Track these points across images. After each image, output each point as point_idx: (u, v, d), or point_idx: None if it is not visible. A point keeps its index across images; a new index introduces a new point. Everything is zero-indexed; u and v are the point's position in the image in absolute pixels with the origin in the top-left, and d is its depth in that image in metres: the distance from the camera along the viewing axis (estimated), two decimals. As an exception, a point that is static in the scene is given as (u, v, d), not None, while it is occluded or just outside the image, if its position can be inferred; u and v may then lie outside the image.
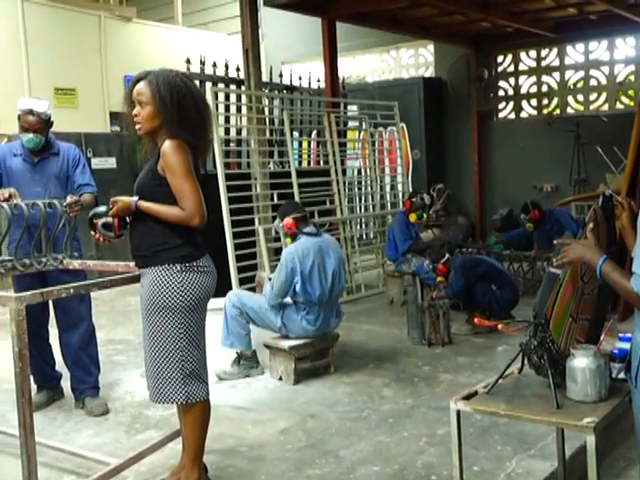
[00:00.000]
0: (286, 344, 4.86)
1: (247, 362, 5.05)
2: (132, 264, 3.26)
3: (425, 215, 7.62)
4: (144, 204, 2.94)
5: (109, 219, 3.03)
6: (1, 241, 3.59)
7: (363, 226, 10.01)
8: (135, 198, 2.97)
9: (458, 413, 2.51)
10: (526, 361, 2.60)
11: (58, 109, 10.49)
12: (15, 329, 2.70)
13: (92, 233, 3.13)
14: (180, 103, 2.89)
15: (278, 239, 6.89)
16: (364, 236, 9.59)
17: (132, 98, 2.95)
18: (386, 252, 7.77)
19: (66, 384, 4.58)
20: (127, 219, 3.05)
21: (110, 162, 9.82)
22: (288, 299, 4.96)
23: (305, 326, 4.88)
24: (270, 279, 4.92)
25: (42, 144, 4.26)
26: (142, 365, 3.12)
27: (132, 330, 6.55)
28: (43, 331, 4.51)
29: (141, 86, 2.92)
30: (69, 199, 3.83)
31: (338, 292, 5.03)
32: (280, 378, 4.93)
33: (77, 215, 3.91)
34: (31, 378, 2.95)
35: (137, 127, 2.95)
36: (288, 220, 4.96)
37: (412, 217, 7.41)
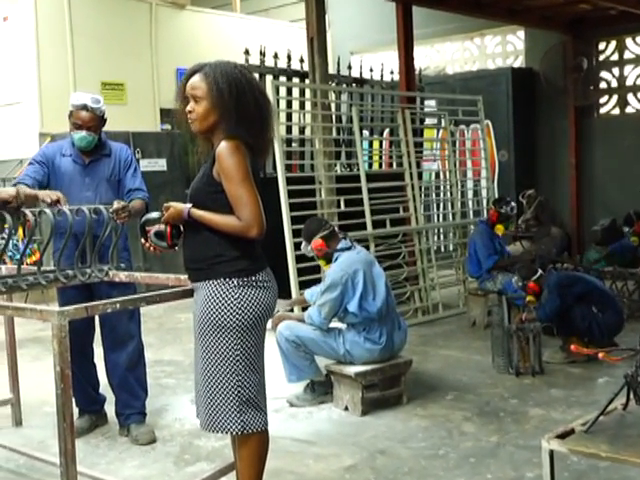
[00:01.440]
0: (351, 370, 4.86)
1: (321, 387, 5.10)
2: (184, 277, 3.32)
3: (513, 226, 7.52)
4: (197, 212, 2.98)
5: (162, 227, 3.09)
6: (44, 249, 3.71)
7: (441, 237, 9.93)
8: (188, 205, 3.01)
9: (551, 454, 2.45)
10: (632, 395, 2.53)
11: (106, 106, 10.82)
12: (57, 347, 2.76)
13: (142, 241, 3.20)
14: (239, 98, 2.92)
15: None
16: (442, 248, 9.51)
17: (186, 93, 3.00)
18: (467, 268, 7.69)
19: (110, 409, 4.69)
20: (181, 228, 3.10)
21: (160, 164, 10.04)
22: (339, 324, 5.01)
23: (370, 347, 4.89)
24: (289, 308, 4.97)
25: (94, 143, 4.39)
26: (193, 389, 3.17)
27: (182, 350, 6.66)
28: (88, 350, 4.63)
29: (196, 79, 2.97)
30: (116, 205, 3.93)
31: (394, 303, 5.12)
32: (346, 408, 4.93)
33: (125, 222, 4.00)
34: (73, 401, 3.01)
35: (191, 124, 3.00)
36: (317, 241, 5.04)
37: (499, 229, 7.32)
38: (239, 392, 2.95)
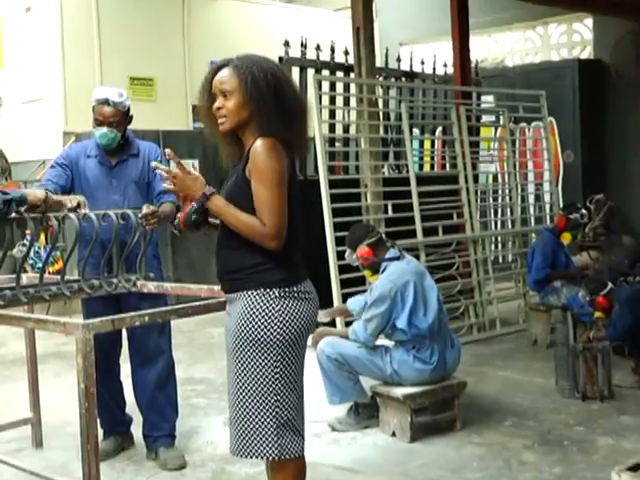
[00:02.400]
0: (399, 392, 4.84)
1: (366, 411, 5.09)
2: (217, 288, 3.34)
3: (580, 234, 7.43)
4: (218, 201, 2.96)
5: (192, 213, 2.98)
6: (67, 257, 3.76)
7: (499, 246, 9.85)
8: (212, 189, 2.98)
9: (623, 488, 2.41)
10: None
11: (133, 102, 10.88)
12: (81, 362, 2.80)
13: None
14: (276, 90, 2.92)
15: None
16: (500, 259, 9.44)
17: (212, 90, 3.02)
18: (528, 280, 7.62)
19: (137, 430, 4.73)
20: (202, 217, 3.00)
21: (192, 165, 10.12)
22: (386, 341, 5.00)
23: (420, 367, 4.87)
24: (327, 323, 4.97)
25: (117, 141, 4.43)
26: (226, 410, 3.18)
27: (214, 367, 6.70)
28: (114, 366, 4.68)
29: (224, 74, 2.98)
30: (145, 209, 3.97)
31: (447, 318, 5.09)
32: (393, 434, 4.91)
33: (154, 228, 4.04)
34: (97, 422, 3.03)
35: (220, 122, 3.01)
36: (362, 249, 5.02)
37: (565, 238, 7.24)
38: (277, 413, 2.95)
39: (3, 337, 8.28)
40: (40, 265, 7.99)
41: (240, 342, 2.96)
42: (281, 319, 2.92)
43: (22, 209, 3.43)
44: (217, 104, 2.99)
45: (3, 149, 10.47)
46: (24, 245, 7.79)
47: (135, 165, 4.49)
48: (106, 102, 4.32)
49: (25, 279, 4.22)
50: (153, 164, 3.09)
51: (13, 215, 3.40)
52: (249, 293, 2.95)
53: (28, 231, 3.68)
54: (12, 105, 11.30)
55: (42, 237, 7.87)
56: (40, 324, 3.13)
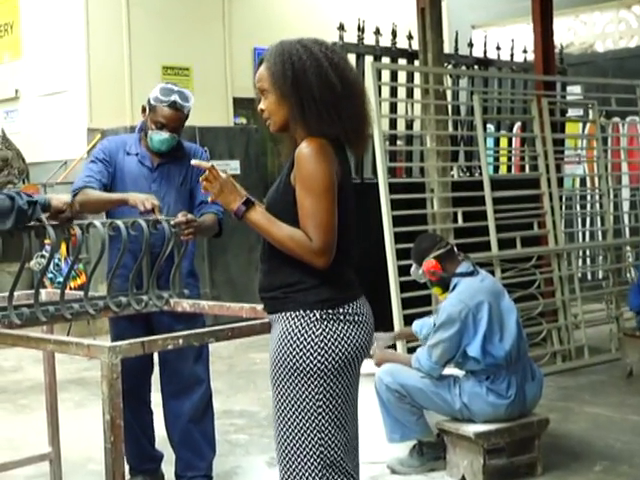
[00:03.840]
0: (470, 430, 4.81)
1: (431, 451, 5.07)
2: (260, 307, 3.36)
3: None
4: (257, 215, 2.93)
5: None
6: (92, 271, 3.81)
7: (587, 261, 9.74)
8: (250, 199, 2.95)
9: None
10: None
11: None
12: (107, 390, 2.82)
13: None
14: (315, 80, 2.86)
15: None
16: (589, 276, 9.32)
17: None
18: (628, 300, 7.51)
19: (169, 469, 4.76)
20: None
21: (233, 166, 10.16)
22: (456, 370, 4.97)
23: (494, 401, 4.83)
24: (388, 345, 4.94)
25: (173, 146, 4.51)
26: (270, 448, 3.20)
27: (257, 399, 6.73)
28: (144, 395, 4.72)
29: (260, 70, 2.98)
30: (180, 217, 4.01)
31: (527, 345, 5.05)
32: (463, 478, 4.88)
33: (190, 240, 4.08)
34: (124, 458, 3.05)
35: (267, 124, 3.03)
36: (429, 262, 4.99)
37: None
38: (321, 453, 2.95)
39: (19, 361, 8.43)
40: (60, 280, 8.11)
41: (279, 371, 2.96)
42: (322, 345, 2.90)
43: (44, 216, 3.48)
44: (260, 105, 3.00)
45: (20, 148, 10.74)
46: (43, 257, 7.94)
47: (179, 169, 4.54)
48: (174, 105, 4.37)
49: (44, 295, 4.29)
50: (193, 162, 3.09)
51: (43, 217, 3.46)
52: (288, 315, 2.95)
53: (47, 241, 3.74)
54: (30, 98, 11.49)
55: (63, 248, 7.98)
56: (61, 346, 3.16)
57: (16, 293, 3.65)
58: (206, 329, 3.38)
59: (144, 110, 4.50)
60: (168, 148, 4.47)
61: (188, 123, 9.91)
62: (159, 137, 4.42)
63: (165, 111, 4.37)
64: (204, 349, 4.53)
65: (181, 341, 3.12)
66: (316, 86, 2.88)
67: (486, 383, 4.84)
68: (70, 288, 7.02)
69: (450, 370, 4.99)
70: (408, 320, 6.34)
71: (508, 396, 4.84)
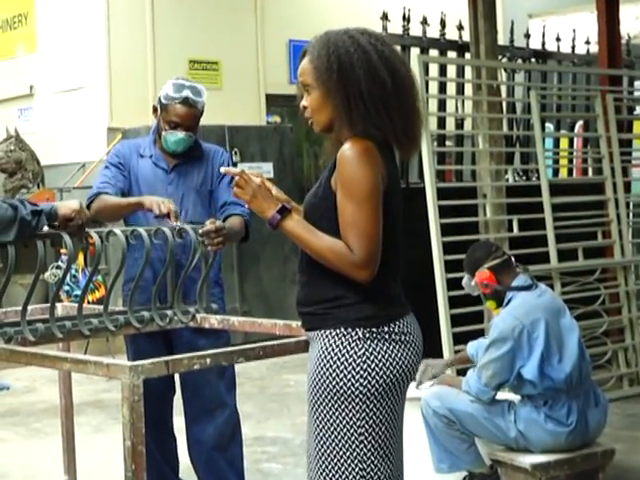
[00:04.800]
0: (527, 460, 4.77)
1: None
2: (296, 324, 3.36)
3: None
4: (293, 223, 2.92)
5: None
6: (112, 283, 3.84)
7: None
8: (286, 206, 2.94)
9: None
10: None
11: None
12: (128, 414, 2.83)
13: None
14: (363, 74, 2.86)
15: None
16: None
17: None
18: None
19: (194, 500, 4.79)
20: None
21: (265, 169, 10.17)
22: (510, 394, 4.94)
23: (553, 429, 4.79)
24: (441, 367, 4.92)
25: (190, 145, 4.55)
26: (304, 478, 3.19)
27: (291, 425, 6.73)
28: (166, 419, 4.74)
29: (303, 63, 2.98)
30: (209, 225, 4.02)
31: (589, 367, 4.99)
32: (518, 514, 4.85)
33: (219, 250, 4.09)
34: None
35: (310, 123, 3.02)
36: (483, 273, 4.96)
37: None
38: (363, 484, 2.95)
39: (32, 381, 8.50)
40: (78, 292, 8.16)
41: (317, 394, 2.96)
42: (365, 366, 2.90)
43: (55, 224, 3.50)
44: (302, 102, 2.99)
45: (35, 150, 10.84)
46: (59, 268, 7.99)
47: (197, 170, 4.58)
48: (186, 102, 4.40)
49: (60, 309, 4.33)
50: (222, 169, 3.11)
51: (45, 229, 3.49)
52: (327, 332, 2.94)
53: (64, 250, 3.77)
54: (47, 95, 11.60)
55: (80, 258, 8.04)
56: (78, 366, 3.17)
57: (30, 307, 3.68)
58: (235, 348, 3.37)
59: (155, 110, 4.53)
60: (184, 148, 4.50)
61: (217, 122, 10.01)
62: (174, 137, 4.45)
63: (178, 109, 4.40)
64: (229, 369, 4.54)
65: (208, 360, 3.12)
66: (364, 81, 2.87)
67: (544, 409, 4.81)
68: (88, 302, 7.07)
69: (505, 394, 4.96)
70: (458, 339, 6.33)
71: (569, 424, 4.80)
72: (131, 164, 4.56)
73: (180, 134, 4.44)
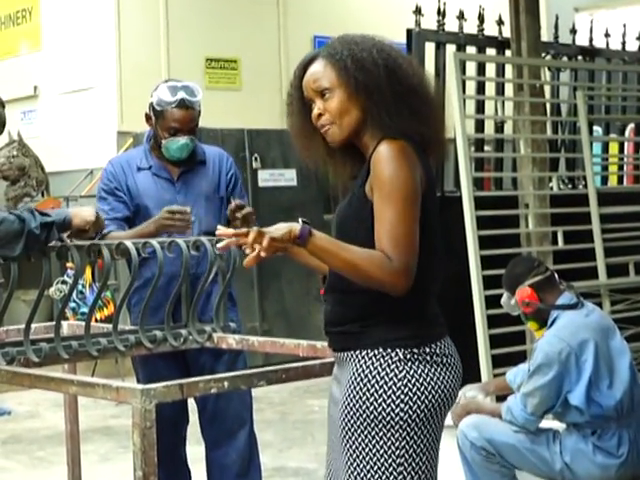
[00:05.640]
0: (575, 495, 4.77)
1: None
2: (321, 344, 3.36)
3: None
4: (318, 241, 2.83)
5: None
6: (122, 300, 3.85)
7: None
8: (305, 227, 2.83)
9: None
10: None
11: (210, 91, 11.09)
12: (139, 441, 2.84)
13: None
14: (390, 69, 2.91)
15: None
16: None
17: (305, 96, 3.05)
18: None
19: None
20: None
21: (288, 177, 10.18)
22: (555, 423, 4.91)
23: (603, 461, 4.77)
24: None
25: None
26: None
27: (315, 454, 6.70)
28: (180, 447, 4.75)
29: (317, 68, 2.99)
30: (233, 204, 4.09)
31: None
32: None
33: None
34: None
35: (326, 132, 3.00)
36: (524, 291, 4.94)
37: None
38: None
39: (35, 405, 8.53)
40: (85, 310, 8.18)
41: (350, 421, 2.95)
42: (405, 390, 2.90)
43: (65, 235, 3.52)
44: (316, 110, 2.98)
45: (39, 155, 10.88)
46: (64, 283, 8.02)
47: (204, 175, 4.61)
48: (182, 104, 4.42)
49: (66, 328, 4.34)
50: (219, 231, 2.93)
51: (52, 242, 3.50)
52: (363, 353, 2.94)
53: (70, 264, 3.78)
54: (52, 96, 11.65)
55: (87, 272, 8.05)
56: (86, 389, 3.18)
57: (33, 325, 3.70)
58: (256, 370, 3.38)
59: (149, 118, 4.54)
60: (189, 153, 4.52)
61: (235, 125, 10.02)
62: (176, 144, 4.46)
63: (175, 113, 4.41)
64: (246, 391, 4.53)
65: (226, 384, 3.13)
66: (394, 80, 2.91)
67: (592, 439, 4.78)
68: (96, 320, 7.09)
69: (549, 423, 4.94)
70: (496, 361, 6.31)
71: (619, 455, 4.78)
72: (128, 183, 4.55)
73: (182, 140, 4.45)
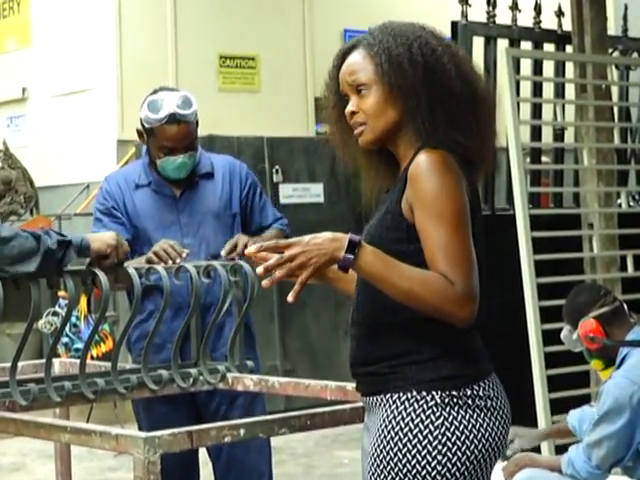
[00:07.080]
0: None
1: None
2: (351, 386, 3.36)
3: None
4: (369, 257, 2.80)
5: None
6: (123, 334, 3.87)
7: None
8: (355, 237, 2.80)
9: None
10: None
11: (225, 93, 11.13)
12: (141, 498, 2.87)
13: None
14: (432, 70, 2.89)
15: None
16: None
17: (341, 89, 3.06)
18: None
19: None
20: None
21: (314, 191, 10.20)
22: (623, 478, 4.93)
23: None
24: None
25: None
26: None
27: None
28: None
29: (355, 59, 2.99)
30: (223, 251, 4.11)
31: None
32: None
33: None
34: None
35: (358, 132, 3.01)
36: (588, 324, 4.92)
37: None
38: None
39: (22, 456, 8.53)
40: (79, 346, 8.18)
41: (381, 474, 2.94)
42: (444, 440, 2.88)
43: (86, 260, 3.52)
44: (350, 107, 2.99)
45: (28, 167, 10.91)
46: (55, 314, 8.02)
47: (212, 190, 4.62)
48: (174, 119, 4.42)
49: (58, 366, 4.36)
50: (249, 251, 2.91)
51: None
52: (395, 397, 2.93)
53: (62, 293, 3.80)
54: (42, 100, 11.70)
55: (82, 302, 8.05)
56: (80, 437, 3.18)
57: (20, 364, 3.71)
58: (276, 416, 3.38)
59: (141, 135, 4.57)
60: (189, 172, 4.54)
61: (253, 132, 10.05)
62: (172, 164, 4.48)
63: (166, 130, 4.42)
64: (265, 440, 4.53)
65: (242, 432, 3.13)
66: (454, 79, 2.91)
67: (666, 497, 4.78)
68: (92, 357, 7.10)
69: (617, 478, 4.93)
70: (557, 405, 6.29)
71: (697, 517, 4.78)
72: (125, 201, 4.58)
73: (179, 159, 4.47)
